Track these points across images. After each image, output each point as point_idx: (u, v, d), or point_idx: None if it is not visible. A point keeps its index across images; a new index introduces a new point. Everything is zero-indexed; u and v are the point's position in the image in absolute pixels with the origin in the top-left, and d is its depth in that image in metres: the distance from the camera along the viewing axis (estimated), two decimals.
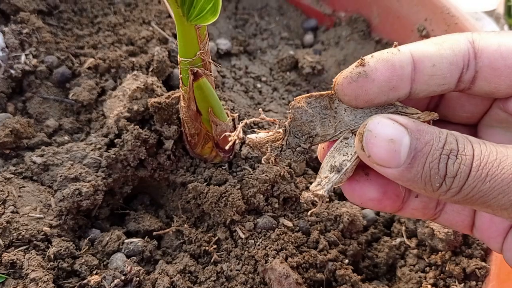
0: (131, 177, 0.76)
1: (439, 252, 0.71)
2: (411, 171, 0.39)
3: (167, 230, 0.73)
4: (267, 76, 1.01)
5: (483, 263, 0.69)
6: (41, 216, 0.69)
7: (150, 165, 0.76)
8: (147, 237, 0.72)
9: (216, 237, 0.71)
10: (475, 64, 0.42)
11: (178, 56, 0.62)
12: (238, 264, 0.68)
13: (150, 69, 0.84)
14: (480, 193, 0.38)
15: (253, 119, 0.49)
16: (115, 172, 0.74)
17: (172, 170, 0.77)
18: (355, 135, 0.44)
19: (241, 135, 0.48)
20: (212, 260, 0.69)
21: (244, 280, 0.66)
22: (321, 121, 0.46)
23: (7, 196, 0.69)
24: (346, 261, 0.71)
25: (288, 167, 0.77)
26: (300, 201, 0.46)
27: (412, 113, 0.44)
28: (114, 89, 0.82)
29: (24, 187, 0.72)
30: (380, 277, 0.75)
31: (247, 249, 0.69)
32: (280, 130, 0.48)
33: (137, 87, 0.77)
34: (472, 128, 0.50)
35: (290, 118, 0.47)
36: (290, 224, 0.72)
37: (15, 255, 0.64)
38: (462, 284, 0.68)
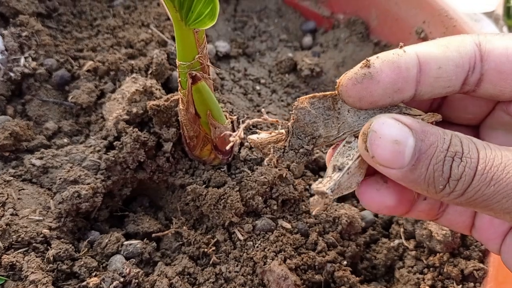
0: (130, 179, 0.76)
1: (437, 254, 0.72)
2: (415, 173, 0.39)
3: (166, 232, 0.73)
4: (266, 78, 1.01)
5: (481, 265, 0.69)
6: (41, 218, 0.69)
7: (149, 167, 0.76)
8: (146, 239, 0.72)
9: (215, 239, 0.71)
10: (481, 66, 0.41)
11: (177, 60, 0.62)
12: (237, 265, 0.68)
13: (149, 71, 0.84)
14: (483, 196, 0.38)
15: (255, 119, 0.49)
16: (114, 175, 0.74)
17: (171, 172, 0.77)
18: (357, 138, 0.43)
19: (242, 135, 0.47)
20: (211, 262, 0.69)
21: (242, 281, 0.66)
22: (324, 122, 0.46)
23: (7, 199, 0.69)
24: (345, 262, 0.71)
25: (287, 169, 0.77)
26: (310, 205, 0.45)
27: (415, 115, 0.44)
28: (113, 91, 0.83)
29: (23, 189, 0.72)
30: (379, 278, 0.75)
31: (245, 250, 0.69)
32: (283, 131, 0.47)
33: (136, 89, 0.77)
34: (474, 130, 0.49)
35: (293, 119, 0.46)
36: (288, 226, 0.72)
37: (14, 257, 0.64)
38: (460, 286, 0.68)
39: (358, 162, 0.43)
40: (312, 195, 0.79)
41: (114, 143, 0.75)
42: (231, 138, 0.48)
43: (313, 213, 0.44)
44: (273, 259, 0.67)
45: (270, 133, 0.48)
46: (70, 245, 0.68)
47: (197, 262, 0.71)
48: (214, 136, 0.71)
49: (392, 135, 0.39)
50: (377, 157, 0.40)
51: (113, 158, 0.73)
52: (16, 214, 0.69)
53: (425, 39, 0.92)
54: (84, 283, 0.64)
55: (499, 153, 0.38)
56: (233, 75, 0.99)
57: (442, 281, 0.69)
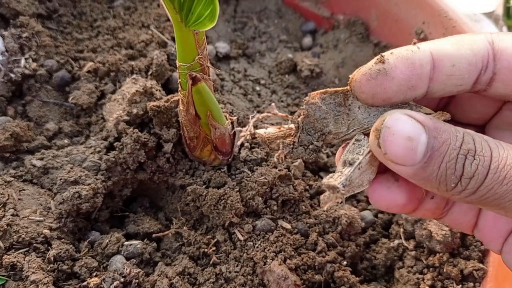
0: (130, 180, 0.76)
1: (437, 254, 0.72)
2: (427, 170, 0.38)
3: (166, 232, 0.74)
4: (266, 79, 1.01)
5: (481, 265, 0.69)
6: (41, 218, 0.69)
7: (149, 168, 0.76)
8: (146, 239, 0.72)
9: (215, 239, 0.71)
10: (494, 65, 0.41)
11: (177, 61, 0.62)
12: (237, 266, 0.68)
13: (149, 72, 0.85)
14: (496, 195, 0.37)
15: (265, 114, 0.48)
16: (114, 175, 0.74)
17: (171, 173, 0.77)
18: (367, 136, 0.43)
19: (252, 130, 0.47)
20: (211, 262, 0.69)
21: (243, 282, 0.66)
22: (334, 119, 0.45)
23: (7, 199, 0.70)
24: (345, 262, 0.72)
25: (286, 169, 0.77)
26: (321, 202, 0.44)
27: (425, 113, 0.43)
28: (113, 92, 0.83)
29: (24, 190, 0.72)
30: (378, 278, 0.75)
31: (246, 251, 0.69)
32: (292, 126, 0.46)
33: (136, 90, 0.78)
34: (480, 130, 0.48)
35: (304, 114, 0.45)
36: (288, 226, 0.72)
37: (15, 257, 0.64)
38: (460, 286, 0.68)
39: (369, 157, 0.42)
40: (315, 194, 0.79)
41: (115, 144, 0.75)
42: (241, 134, 0.47)
43: (324, 209, 0.43)
44: (273, 259, 0.67)
45: (279, 128, 0.47)
46: (71, 246, 0.68)
47: (197, 262, 0.71)
48: (214, 137, 0.71)
49: (406, 131, 0.38)
50: (389, 154, 0.39)
51: (113, 159, 0.74)
52: (17, 215, 0.69)
53: (424, 39, 0.92)
54: (85, 283, 0.64)
55: None
56: (233, 76, 0.99)
57: (441, 281, 0.69)
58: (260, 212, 0.73)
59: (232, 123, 0.73)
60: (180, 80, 0.65)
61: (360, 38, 1.05)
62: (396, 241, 0.75)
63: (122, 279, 0.64)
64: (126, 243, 0.70)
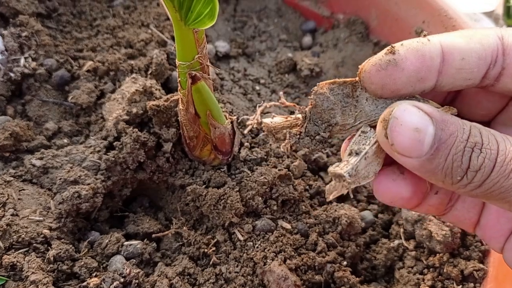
0: (130, 179, 0.76)
1: (437, 254, 0.72)
2: (433, 162, 0.38)
3: (166, 232, 0.73)
4: (265, 78, 1.01)
5: (481, 265, 0.69)
6: (41, 218, 0.69)
7: (149, 168, 0.76)
8: (146, 239, 0.72)
9: (215, 239, 0.71)
10: (503, 60, 0.41)
11: (176, 60, 0.62)
12: (237, 266, 0.68)
13: (149, 71, 0.84)
14: (501, 188, 0.37)
15: (272, 103, 0.48)
16: (114, 175, 0.74)
17: (171, 173, 0.77)
18: (373, 128, 0.43)
19: (259, 119, 0.46)
20: (211, 262, 0.69)
21: (243, 282, 0.66)
22: (341, 110, 0.44)
23: (7, 199, 0.69)
24: (345, 263, 0.71)
25: (286, 169, 0.77)
26: (326, 193, 0.44)
27: None
28: (113, 92, 0.83)
29: (23, 190, 0.72)
30: (378, 279, 0.75)
31: (245, 251, 0.69)
32: (299, 116, 0.46)
33: (136, 90, 0.78)
34: (486, 126, 0.48)
35: (311, 104, 0.44)
36: (288, 226, 0.72)
37: (15, 257, 0.64)
38: (460, 286, 0.68)
39: (375, 148, 0.42)
40: (315, 194, 0.79)
41: (114, 144, 0.75)
42: (248, 122, 0.47)
43: (329, 199, 0.43)
44: (273, 260, 0.67)
45: (285, 118, 0.47)
46: (71, 246, 0.68)
47: (197, 262, 0.71)
48: (214, 136, 0.71)
49: (414, 122, 0.38)
50: (396, 145, 0.39)
51: (113, 159, 0.73)
52: (17, 215, 0.69)
53: None
54: (85, 283, 0.64)
55: None
56: (232, 75, 0.99)
57: (442, 281, 0.69)
58: (260, 212, 0.73)
59: (231, 122, 0.73)
60: (179, 79, 0.65)
61: (360, 37, 1.05)
62: (396, 241, 0.75)
63: (122, 279, 0.64)
64: (126, 243, 0.70)
